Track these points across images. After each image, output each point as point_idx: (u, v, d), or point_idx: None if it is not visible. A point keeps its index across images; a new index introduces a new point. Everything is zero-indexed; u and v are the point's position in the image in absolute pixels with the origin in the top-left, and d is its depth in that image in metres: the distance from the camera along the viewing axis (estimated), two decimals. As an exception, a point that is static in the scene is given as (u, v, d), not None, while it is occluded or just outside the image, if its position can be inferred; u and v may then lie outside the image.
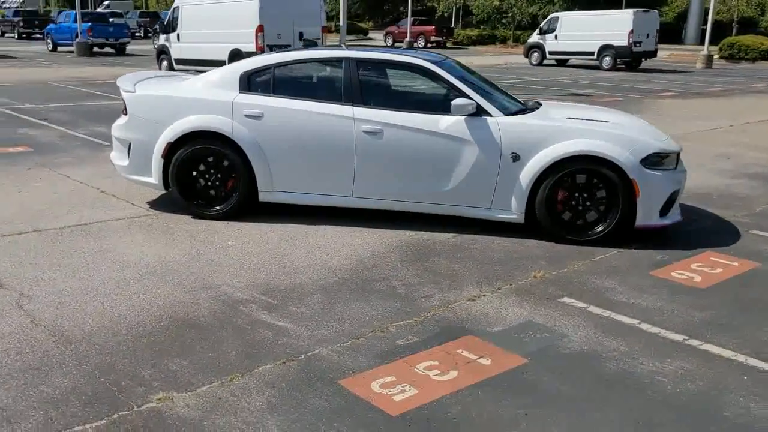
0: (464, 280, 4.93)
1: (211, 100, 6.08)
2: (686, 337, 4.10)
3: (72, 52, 29.41)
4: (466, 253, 5.49)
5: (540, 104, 6.61)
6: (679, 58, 35.87)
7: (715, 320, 4.36)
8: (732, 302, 4.66)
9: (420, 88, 6.25)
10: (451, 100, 5.78)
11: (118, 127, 6.43)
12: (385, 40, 44.98)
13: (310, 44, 17.28)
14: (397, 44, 42.51)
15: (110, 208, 6.43)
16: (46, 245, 5.39)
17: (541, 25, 30.06)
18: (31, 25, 41.80)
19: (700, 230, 6.29)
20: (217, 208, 6.18)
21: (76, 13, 29.57)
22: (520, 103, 6.57)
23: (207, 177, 6.18)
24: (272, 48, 16.88)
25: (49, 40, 32.63)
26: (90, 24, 30.08)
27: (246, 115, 6.00)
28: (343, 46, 7.66)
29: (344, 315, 4.27)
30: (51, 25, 34.00)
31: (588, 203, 5.74)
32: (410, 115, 5.88)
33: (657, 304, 4.60)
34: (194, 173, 6.16)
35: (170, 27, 19.68)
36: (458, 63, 6.73)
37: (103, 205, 6.52)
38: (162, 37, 20.28)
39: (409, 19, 40.79)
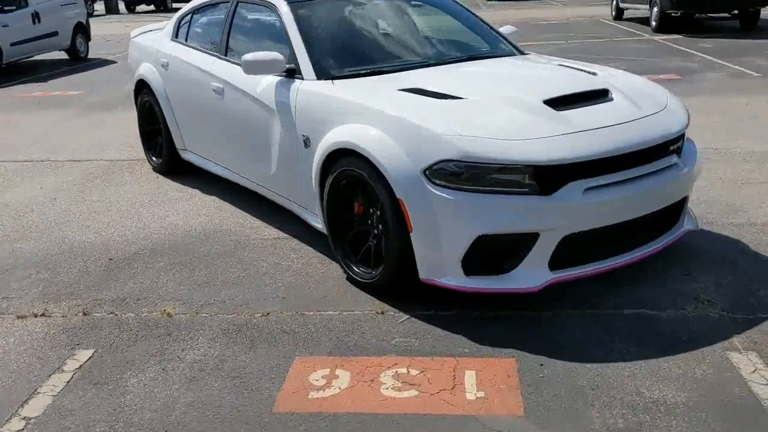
0: (126, 295, 3.75)
1: (152, 48, 5.75)
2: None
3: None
4: (224, 262, 4.11)
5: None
6: None
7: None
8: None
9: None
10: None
11: (133, 74, 6.59)
12: None
13: None
14: None
15: (127, 151, 6.74)
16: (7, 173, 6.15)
17: None
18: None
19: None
20: (155, 160, 5.93)
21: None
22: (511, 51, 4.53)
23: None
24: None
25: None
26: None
27: (161, 64, 5.52)
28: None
29: None
30: None
31: (381, 225, 3.59)
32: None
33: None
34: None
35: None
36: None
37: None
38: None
39: None
